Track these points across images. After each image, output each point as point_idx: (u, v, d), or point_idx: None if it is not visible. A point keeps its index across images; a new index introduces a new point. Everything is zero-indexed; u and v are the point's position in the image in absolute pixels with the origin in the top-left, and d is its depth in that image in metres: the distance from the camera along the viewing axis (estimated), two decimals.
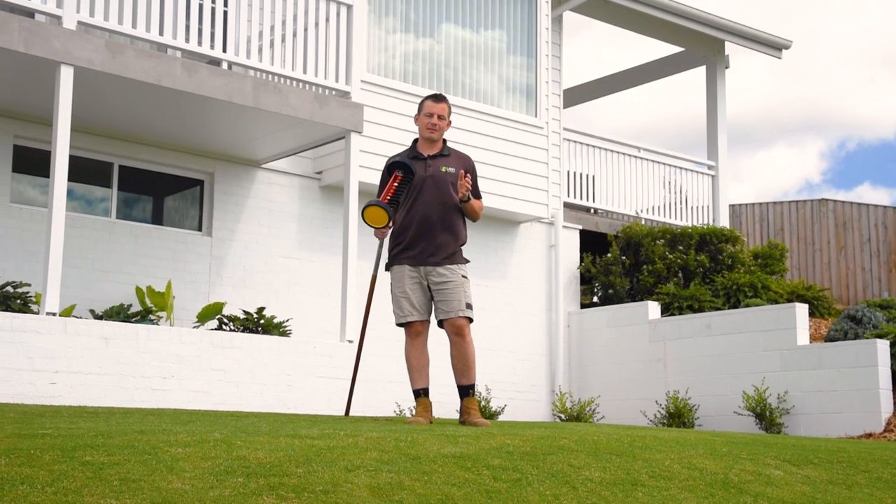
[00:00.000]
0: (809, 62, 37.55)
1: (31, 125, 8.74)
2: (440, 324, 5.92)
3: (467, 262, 5.99)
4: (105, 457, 3.49)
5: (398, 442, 4.23)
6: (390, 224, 5.84)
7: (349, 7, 9.23)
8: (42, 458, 3.40)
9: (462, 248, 5.99)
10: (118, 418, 5.22)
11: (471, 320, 5.89)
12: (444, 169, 5.92)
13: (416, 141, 6.12)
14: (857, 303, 14.88)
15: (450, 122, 6.05)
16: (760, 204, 17.08)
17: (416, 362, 5.92)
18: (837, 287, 15.72)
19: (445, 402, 7.97)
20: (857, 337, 10.18)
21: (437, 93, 6.09)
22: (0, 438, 3.72)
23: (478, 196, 6.06)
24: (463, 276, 5.90)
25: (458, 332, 5.84)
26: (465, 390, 5.93)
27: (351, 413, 6.91)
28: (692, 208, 13.79)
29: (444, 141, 6.09)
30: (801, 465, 4.98)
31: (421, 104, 6.02)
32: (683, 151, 14.23)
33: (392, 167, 5.88)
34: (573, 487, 3.94)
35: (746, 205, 17.20)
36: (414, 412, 6.12)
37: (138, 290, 8.77)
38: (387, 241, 6.06)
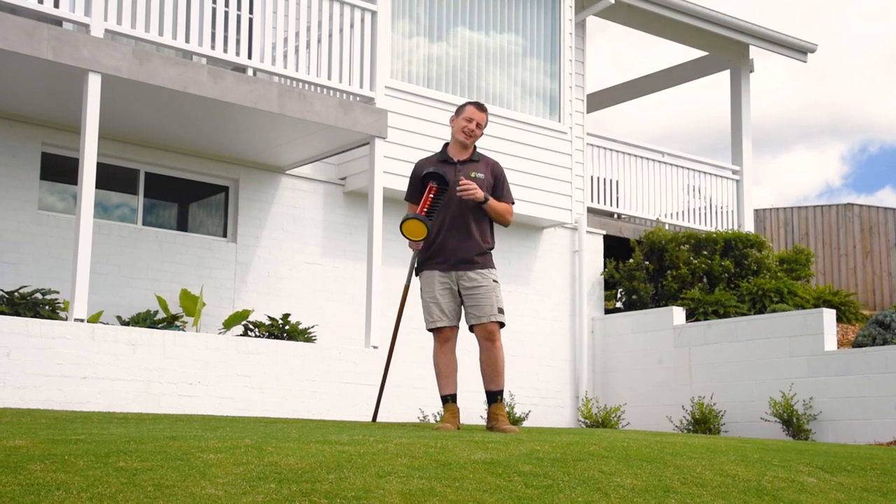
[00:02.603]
0: (831, 64, 37.31)
1: (59, 133, 8.81)
2: (471, 328, 5.91)
3: (495, 267, 5.99)
4: (138, 462, 3.50)
5: (428, 448, 4.22)
6: (428, 237, 5.83)
7: (373, 13, 9.25)
8: (76, 464, 3.42)
9: (491, 252, 5.99)
10: (148, 424, 5.24)
11: (502, 325, 5.88)
12: (473, 174, 5.93)
13: (446, 144, 6.12)
14: (884, 308, 14.74)
15: (483, 133, 6.07)
16: (785, 209, 16.96)
17: (445, 368, 5.91)
18: (863, 292, 15.59)
19: (470, 407, 7.96)
20: (885, 342, 10.08)
21: (481, 102, 6.11)
22: (34, 444, 3.74)
23: (509, 201, 6.06)
24: (494, 281, 5.89)
25: (489, 337, 5.83)
26: (494, 396, 5.92)
27: (377, 419, 6.90)
28: (716, 213, 13.71)
29: (475, 146, 6.10)
30: (835, 472, 4.93)
31: (462, 107, 6.01)
32: (706, 155, 14.20)
33: (426, 178, 5.85)
34: (605, 494, 3.91)
35: (770, 209, 17.09)
36: (440, 418, 6.11)
37: (160, 298, 8.80)
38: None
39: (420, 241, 5.82)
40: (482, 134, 6.05)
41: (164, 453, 3.67)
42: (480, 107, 6.01)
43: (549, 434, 5.82)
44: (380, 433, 4.99)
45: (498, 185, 6.00)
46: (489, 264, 5.92)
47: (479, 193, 5.82)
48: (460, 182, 5.80)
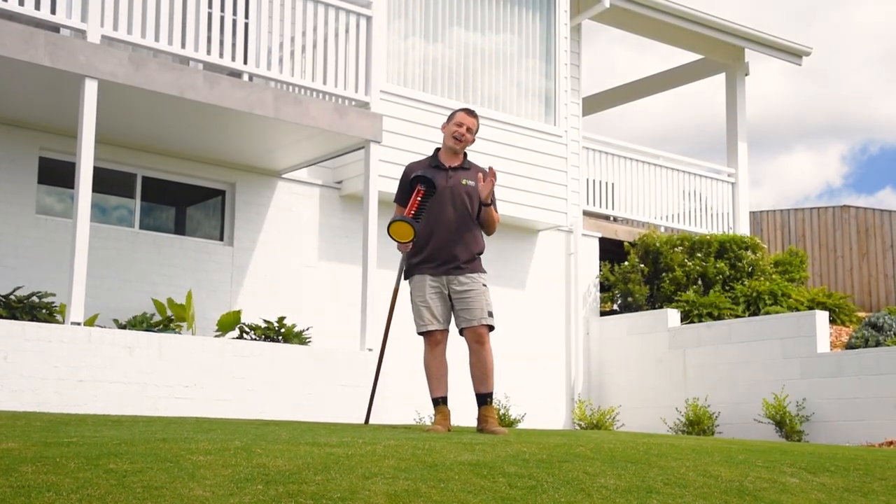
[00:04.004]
0: (829, 65, 37.35)
1: (57, 137, 8.89)
2: (461, 332, 5.97)
3: (485, 271, 6.06)
4: (128, 464, 3.56)
5: (415, 450, 4.29)
6: (415, 238, 5.89)
7: (369, 18, 9.32)
8: (67, 466, 3.48)
9: (481, 257, 6.06)
10: (141, 426, 5.30)
11: (492, 328, 5.95)
12: (464, 181, 5.99)
13: (437, 150, 6.18)
14: (880, 310, 14.79)
15: (474, 139, 6.12)
16: (781, 211, 17.02)
17: (436, 371, 5.97)
18: (860, 294, 15.64)
19: (464, 410, 8.01)
20: (878, 344, 10.14)
21: (471, 108, 6.17)
22: (27, 446, 3.81)
23: (494, 207, 6.12)
24: (483, 285, 5.96)
25: (478, 339, 5.90)
26: (484, 398, 5.98)
27: (370, 421, 6.96)
28: (712, 216, 13.78)
29: (465, 154, 6.16)
30: (818, 472, 4.99)
31: (452, 114, 6.09)
32: (700, 157, 14.36)
33: (414, 181, 5.92)
34: (588, 495, 3.97)
35: (767, 212, 17.16)
36: (433, 420, 6.18)
37: (157, 302, 8.87)
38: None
39: (407, 242, 5.88)
40: (473, 140, 6.11)
41: (154, 455, 3.74)
42: (471, 113, 6.07)
43: (538, 436, 5.88)
44: (370, 435, 5.05)
45: None
46: (479, 268, 5.99)
47: (487, 193, 5.90)
48: (489, 171, 5.86)
